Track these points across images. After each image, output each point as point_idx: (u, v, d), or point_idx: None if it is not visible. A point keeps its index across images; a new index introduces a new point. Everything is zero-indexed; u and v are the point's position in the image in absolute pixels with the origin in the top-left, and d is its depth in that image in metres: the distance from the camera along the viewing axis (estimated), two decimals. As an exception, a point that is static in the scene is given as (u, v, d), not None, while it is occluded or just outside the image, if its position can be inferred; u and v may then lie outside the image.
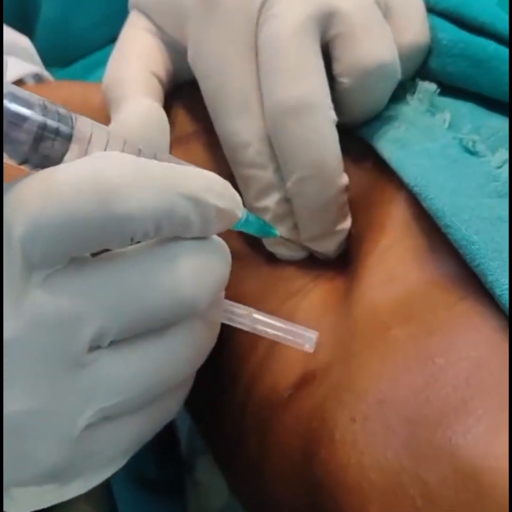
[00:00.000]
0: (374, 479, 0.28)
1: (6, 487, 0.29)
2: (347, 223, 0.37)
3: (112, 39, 0.42)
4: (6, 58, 0.29)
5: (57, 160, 0.29)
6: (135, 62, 0.39)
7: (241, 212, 0.31)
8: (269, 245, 0.38)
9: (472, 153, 0.36)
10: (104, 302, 0.27)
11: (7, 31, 0.46)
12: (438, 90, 0.39)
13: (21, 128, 0.28)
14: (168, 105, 0.40)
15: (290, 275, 0.38)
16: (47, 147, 0.28)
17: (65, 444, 0.28)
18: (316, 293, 0.36)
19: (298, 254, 0.38)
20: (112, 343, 0.28)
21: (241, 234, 0.36)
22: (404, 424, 0.28)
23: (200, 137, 0.40)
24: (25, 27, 0.52)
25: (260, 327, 0.32)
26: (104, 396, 0.28)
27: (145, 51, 0.40)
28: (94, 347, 0.28)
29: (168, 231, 0.28)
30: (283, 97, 0.34)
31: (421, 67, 0.39)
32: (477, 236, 0.31)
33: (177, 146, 0.39)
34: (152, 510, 0.48)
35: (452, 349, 0.29)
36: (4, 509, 0.30)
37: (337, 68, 0.36)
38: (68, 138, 0.29)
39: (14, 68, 0.44)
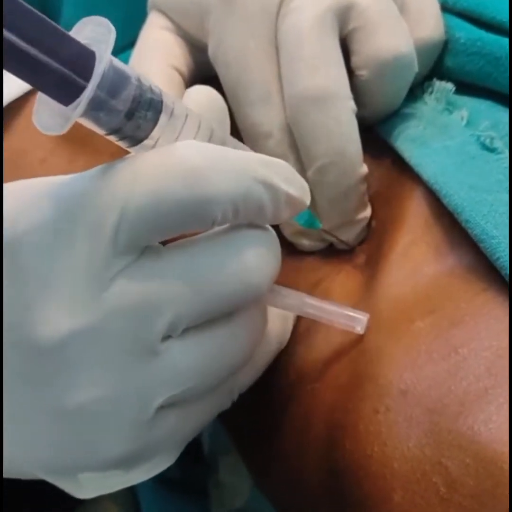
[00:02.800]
0: (397, 468, 0.28)
1: (73, 472, 0.29)
2: (367, 212, 0.38)
3: (131, 43, 0.43)
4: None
5: (148, 131, 0.29)
6: (157, 57, 0.40)
7: (308, 199, 0.31)
8: (290, 236, 0.38)
9: (490, 149, 0.36)
10: (179, 291, 0.28)
11: None
12: (454, 89, 0.39)
13: (120, 95, 0.28)
14: None
15: (311, 266, 0.38)
16: (141, 116, 0.29)
17: (134, 431, 0.29)
18: (336, 284, 0.37)
19: (319, 245, 0.38)
20: (183, 331, 0.29)
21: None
22: (426, 413, 0.28)
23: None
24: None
25: (310, 311, 0.32)
26: (174, 384, 0.29)
27: (166, 47, 0.41)
28: (167, 335, 0.28)
29: (244, 215, 0.29)
30: (305, 86, 0.35)
31: (437, 67, 0.40)
32: (497, 230, 0.31)
33: None
34: (175, 510, 0.48)
35: (474, 340, 0.29)
36: (70, 493, 0.31)
37: (355, 60, 0.37)
38: (159, 110, 0.29)
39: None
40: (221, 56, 0.37)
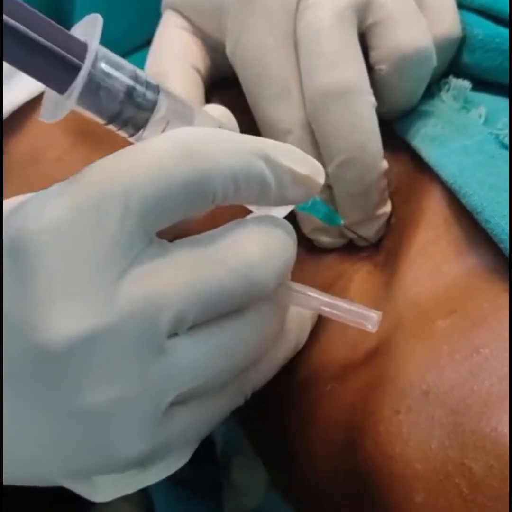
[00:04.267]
0: (419, 469, 0.28)
1: (89, 474, 0.29)
2: (387, 208, 0.38)
3: (146, 43, 0.43)
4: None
5: (148, 112, 0.29)
6: (174, 56, 0.40)
7: (322, 179, 0.31)
8: (309, 232, 0.38)
9: (509, 148, 0.36)
10: (181, 288, 0.28)
11: None
12: (471, 86, 0.39)
13: (116, 76, 0.29)
14: (205, 100, 0.41)
15: (330, 264, 0.38)
16: (139, 95, 0.29)
17: (147, 429, 0.29)
18: (355, 283, 0.37)
19: (338, 241, 0.38)
20: (190, 328, 0.29)
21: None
22: (448, 414, 0.28)
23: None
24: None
25: (321, 307, 0.32)
26: (182, 380, 0.29)
27: (184, 46, 0.41)
28: (173, 333, 0.28)
29: (246, 191, 0.29)
30: (325, 82, 0.35)
31: (454, 64, 0.40)
32: (517, 230, 0.31)
33: None
34: (188, 509, 0.48)
35: (497, 340, 0.29)
36: (86, 497, 0.31)
37: (374, 55, 0.37)
38: (157, 91, 0.30)
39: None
40: (239, 53, 0.37)
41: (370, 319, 0.32)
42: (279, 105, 0.36)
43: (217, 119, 0.32)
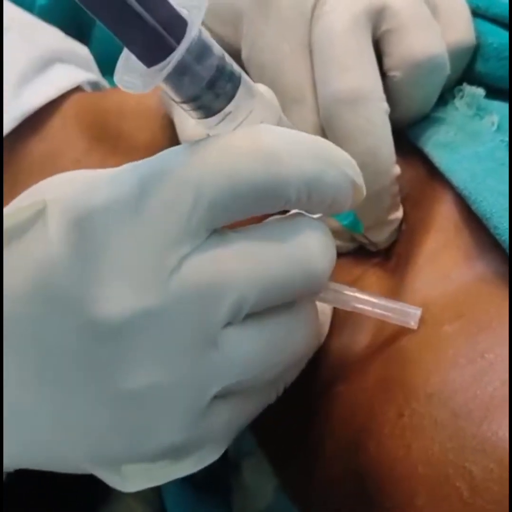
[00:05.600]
0: (421, 472, 0.28)
1: (121, 461, 0.29)
2: (399, 213, 0.38)
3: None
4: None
5: (224, 103, 0.29)
6: None
7: (365, 191, 0.31)
8: None
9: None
10: (243, 275, 0.28)
11: (67, 40, 0.48)
12: (485, 94, 0.39)
13: (205, 63, 0.28)
14: None
15: (340, 269, 0.38)
16: (221, 86, 0.29)
17: (187, 419, 0.28)
18: (365, 287, 0.37)
19: (349, 246, 0.38)
20: (245, 318, 0.28)
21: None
22: (451, 418, 0.28)
23: None
24: (81, 37, 0.54)
25: (361, 306, 0.32)
26: (231, 374, 0.28)
27: None
28: (230, 321, 0.28)
29: (317, 198, 0.29)
30: (338, 87, 0.35)
31: (468, 72, 0.40)
32: (526, 237, 0.31)
33: None
34: (199, 509, 0.49)
35: (501, 345, 0.29)
36: (114, 487, 0.30)
37: (388, 62, 0.37)
38: (237, 85, 0.29)
39: (72, 76, 0.45)
40: (255, 58, 0.37)
41: (412, 316, 0.32)
42: (293, 110, 0.37)
43: (278, 110, 0.32)
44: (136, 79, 0.28)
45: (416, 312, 0.32)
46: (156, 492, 0.50)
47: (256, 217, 0.29)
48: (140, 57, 0.27)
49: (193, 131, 0.38)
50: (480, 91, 0.39)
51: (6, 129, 0.41)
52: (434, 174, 0.37)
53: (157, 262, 0.27)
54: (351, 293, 0.32)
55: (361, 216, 0.37)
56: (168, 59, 0.27)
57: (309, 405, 0.35)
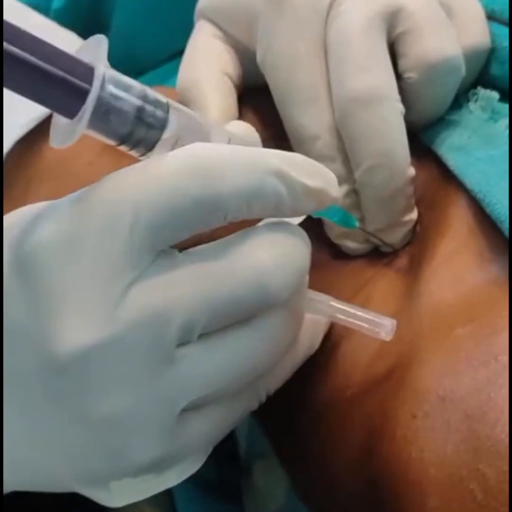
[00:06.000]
0: (434, 474, 0.28)
1: (105, 480, 0.30)
2: (413, 214, 0.38)
3: (180, 52, 0.43)
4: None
5: (158, 130, 0.29)
6: (207, 63, 0.41)
7: (335, 191, 0.31)
8: (335, 237, 0.39)
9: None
10: (189, 296, 0.28)
11: (79, 42, 0.48)
12: (499, 97, 0.39)
13: (125, 97, 0.28)
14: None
15: (354, 271, 0.38)
16: (149, 115, 0.29)
17: (160, 435, 0.29)
18: (378, 289, 0.37)
19: (364, 247, 0.38)
20: (201, 336, 0.29)
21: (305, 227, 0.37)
22: (464, 420, 0.28)
23: (266, 142, 0.41)
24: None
25: (338, 315, 0.32)
26: (194, 388, 0.29)
27: (216, 53, 0.41)
28: (184, 341, 0.29)
29: (259, 208, 0.29)
30: (353, 87, 0.35)
31: (483, 75, 0.40)
32: (540, 240, 0.31)
33: None
34: (210, 511, 0.49)
35: None
36: (104, 504, 0.31)
37: (403, 64, 0.37)
38: (167, 109, 0.30)
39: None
40: (269, 59, 0.38)
41: (384, 327, 0.31)
42: (308, 110, 0.37)
43: (231, 132, 0.32)
44: (61, 132, 0.29)
45: (389, 323, 0.31)
46: (167, 494, 0.50)
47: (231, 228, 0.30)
48: (60, 112, 0.28)
49: (215, 138, 0.38)
50: (494, 95, 0.39)
51: (19, 133, 0.41)
52: (448, 176, 0.37)
53: (102, 294, 0.28)
54: (326, 302, 0.32)
55: (375, 216, 0.37)
56: (85, 104, 0.27)
57: (322, 409, 0.35)
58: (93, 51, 0.29)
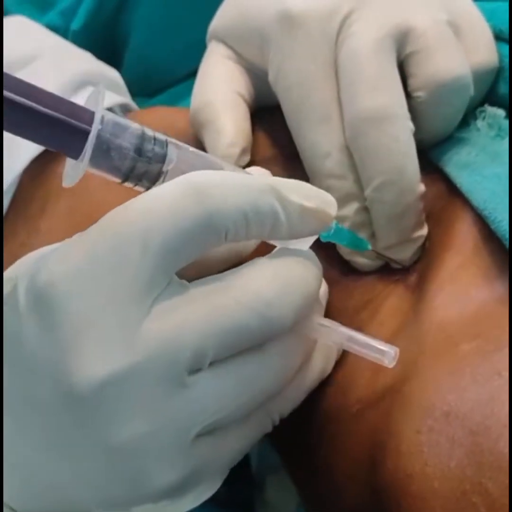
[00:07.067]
0: (438, 487, 0.28)
1: (127, 506, 0.31)
2: (424, 231, 0.38)
3: (194, 72, 0.44)
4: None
5: (159, 164, 0.32)
6: (221, 84, 0.41)
7: (334, 211, 0.32)
8: (345, 254, 0.39)
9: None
10: (199, 325, 0.29)
11: (97, 63, 0.49)
12: (505, 115, 0.39)
13: (124, 135, 0.31)
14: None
15: (364, 287, 0.39)
16: (148, 150, 0.31)
17: (177, 461, 0.30)
18: (386, 305, 0.37)
19: (374, 264, 0.39)
20: (211, 364, 0.30)
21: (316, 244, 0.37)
22: (468, 435, 0.29)
23: (278, 161, 0.42)
24: (114, 60, 0.55)
25: (344, 342, 0.33)
26: (206, 414, 0.30)
27: (228, 74, 0.42)
28: (195, 369, 0.30)
29: (257, 227, 0.30)
30: (364, 107, 0.36)
31: (490, 93, 0.40)
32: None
33: None
34: (222, 527, 0.49)
35: None
36: None
37: (412, 83, 0.37)
38: (165, 144, 0.32)
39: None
40: (281, 80, 0.38)
41: (388, 355, 0.32)
42: (319, 129, 0.37)
43: (225, 164, 0.34)
44: (70, 171, 0.31)
45: (392, 351, 0.32)
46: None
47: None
48: (67, 153, 0.31)
49: (225, 151, 0.39)
50: (502, 112, 0.39)
51: (35, 151, 0.42)
52: (455, 193, 0.37)
53: (119, 323, 0.29)
54: (333, 329, 0.33)
55: (386, 233, 0.38)
56: (88, 141, 0.30)
57: (327, 423, 0.36)
58: (94, 99, 0.31)
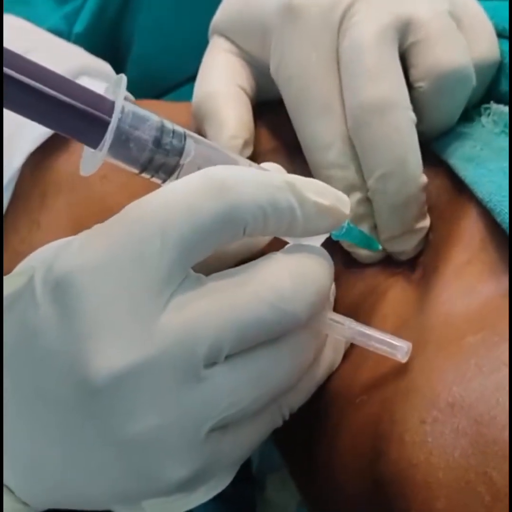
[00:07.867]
0: (442, 477, 0.28)
1: (139, 498, 0.31)
2: (426, 222, 0.38)
3: (196, 76, 0.44)
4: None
5: (177, 157, 0.32)
6: (223, 77, 0.42)
7: (348, 209, 0.33)
8: (348, 246, 0.39)
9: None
10: (215, 319, 0.29)
11: (90, 56, 0.48)
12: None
13: (144, 127, 0.31)
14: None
15: (366, 279, 0.39)
16: (166, 143, 0.31)
17: (190, 455, 0.30)
18: (388, 298, 0.37)
19: (376, 256, 0.39)
20: (226, 358, 0.30)
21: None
22: (472, 425, 0.29)
23: (279, 153, 0.42)
24: (117, 63, 0.55)
25: (356, 337, 0.33)
26: (220, 408, 0.30)
27: (230, 67, 0.42)
28: (211, 362, 0.30)
29: (275, 223, 0.31)
30: (366, 97, 0.36)
31: (495, 91, 0.40)
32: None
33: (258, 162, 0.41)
34: (223, 526, 0.49)
35: None
36: None
37: (414, 73, 0.38)
38: (184, 136, 0.32)
39: (100, 90, 0.46)
40: (283, 70, 0.38)
41: (400, 349, 0.32)
42: (321, 119, 0.37)
43: (241, 159, 0.34)
44: (88, 160, 0.32)
45: (405, 346, 0.32)
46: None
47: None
48: (85, 141, 0.31)
49: (228, 143, 0.39)
50: (507, 109, 0.39)
51: (33, 145, 0.42)
52: (460, 186, 0.37)
53: (136, 315, 0.29)
54: (345, 324, 0.33)
55: (389, 224, 0.37)
56: (107, 131, 0.30)
57: (331, 416, 0.36)
58: (115, 89, 0.32)
